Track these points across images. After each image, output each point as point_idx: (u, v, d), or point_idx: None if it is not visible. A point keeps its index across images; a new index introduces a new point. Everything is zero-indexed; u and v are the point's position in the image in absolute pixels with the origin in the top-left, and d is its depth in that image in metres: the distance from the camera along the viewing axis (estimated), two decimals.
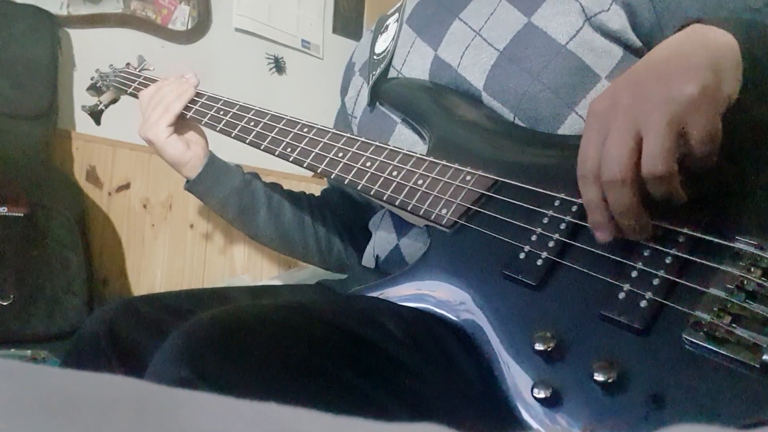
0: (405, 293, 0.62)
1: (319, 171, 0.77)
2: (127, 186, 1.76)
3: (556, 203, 0.58)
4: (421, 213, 0.65)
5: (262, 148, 0.84)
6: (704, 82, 0.45)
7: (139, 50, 1.19)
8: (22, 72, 1.54)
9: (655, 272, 0.49)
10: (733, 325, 0.44)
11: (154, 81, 1.01)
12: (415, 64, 0.83)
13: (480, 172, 0.64)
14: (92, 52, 1.70)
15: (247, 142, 0.86)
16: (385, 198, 0.69)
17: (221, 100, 0.93)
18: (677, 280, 0.48)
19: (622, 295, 0.49)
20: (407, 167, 0.69)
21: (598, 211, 0.50)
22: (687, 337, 0.45)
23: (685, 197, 0.48)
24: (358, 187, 0.71)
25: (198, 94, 0.96)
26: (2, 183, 1.42)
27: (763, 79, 0.50)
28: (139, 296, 0.80)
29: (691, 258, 0.48)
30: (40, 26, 1.59)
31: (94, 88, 1.17)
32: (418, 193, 0.66)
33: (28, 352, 1.34)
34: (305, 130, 0.81)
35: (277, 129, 0.83)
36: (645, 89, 0.47)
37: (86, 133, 1.68)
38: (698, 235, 0.49)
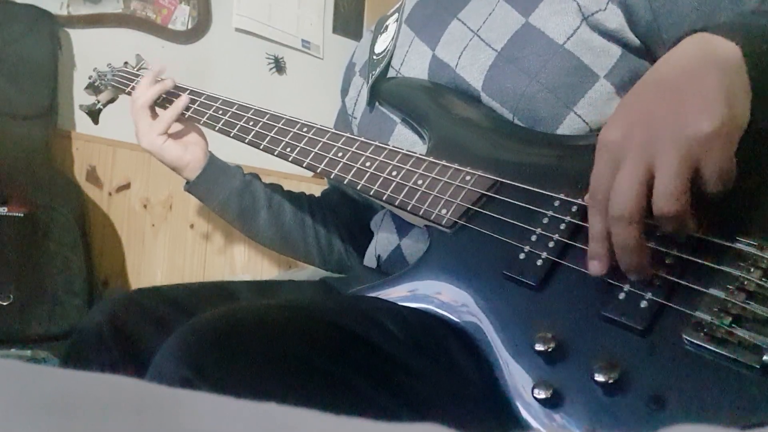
0: (405, 293, 0.62)
1: (318, 171, 0.77)
2: (127, 186, 1.76)
3: (556, 203, 0.58)
4: (420, 213, 0.65)
5: (261, 147, 0.84)
6: (720, 119, 0.44)
7: (139, 50, 1.19)
8: (22, 72, 1.54)
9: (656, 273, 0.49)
10: (734, 325, 0.44)
11: None
12: (414, 63, 0.83)
13: (480, 173, 0.64)
14: (92, 52, 1.70)
15: (246, 141, 0.86)
16: (384, 198, 0.69)
17: (220, 99, 0.93)
18: (678, 280, 0.48)
19: (622, 296, 0.49)
20: (407, 167, 0.69)
21: (600, 244, 0.49)
22: (687, 338, 0.45)
23: (695, 228, 0.47)
24: (358, 187, 0.71)
25: (196, 93, 0.96)
26: (2, 183, 1.42)
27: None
28: (141, 289, 0.79)
29: (691, 258, 0.48)
30: (40, 26, 1.59)
31: (92, 87, 1.17)
32: (418, 193, 0.66)
33: (28, 352, 1.34)
34: (304, 129, 0.81)
35: (276, 128, 0.83)
36: (658, 123, 0.46)
37: (86, 133, 1.68)
38: (699, 235, 0.49)
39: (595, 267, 0.50)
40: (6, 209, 1.39)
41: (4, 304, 1.35)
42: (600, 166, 0.49)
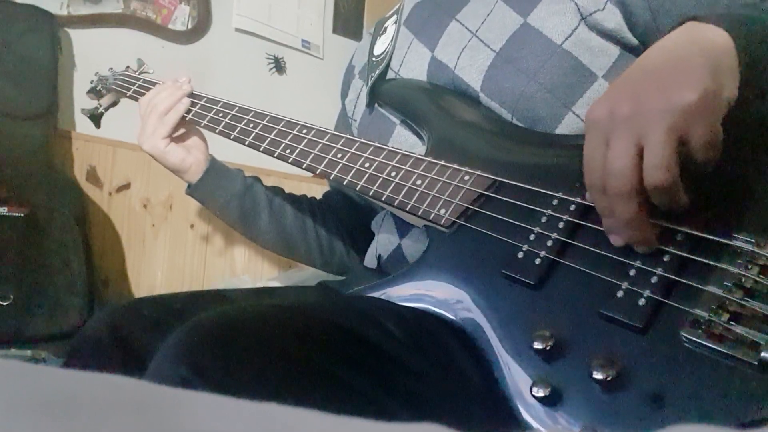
0: (405, 293, 0.63)
1: (318, 172, 0.77)
2: (127, 186, 1.76)
3: (554, 202, 0.58)
4: (419, 213, 0.65)
5: (261, 149, 0.84)
6: (704, 89, 0.45)
7: (139, 50, 1.19)
8: (22, 72, 1.54)
9: (654, 270, 0.49)
10: (732, 322, 0.44)
11: (153, 84, 1.02)
12: (413, 65, 0.83)
13: (478, 172, 0.64)
14: (92, 53, 1.70)
15: (246, 143, 0.86)
16: (383, 198, 0.69)
17: (220, 102, 0.93)
18: (675, 278, 0.48)
19: (620, 294, 0.49)
20: (406, 167, 0.69)
21: (611, 219, 0.50)
22: (686, 335, 0.45)
23: (688, 202, 0.48)
24: (357, 188, 0.72)
25: (197, 96, 0.96)
26: (2, 183, 1.42)
27: (761, 76, 0.50)
28: (141, 298, 0.80)
29: (689, 256, 0.48)
30: (40, 26, 1.58)
31: (94, 92, 1.17)
32: (417, 193, 0.66)
33: (28, 352, 1.34)
34: (304, 131, 0.81)
35: (276, 130, 0.84)
36: (643, 98, 0.46)
37: (86, 133, 1.68)
38: (696, 233, 0.49)
39: (617, 240, 0.51)
40: (6, 209, 1.39)
41: (4, 304, 1.35)
42: (590, 144, 0.49)
